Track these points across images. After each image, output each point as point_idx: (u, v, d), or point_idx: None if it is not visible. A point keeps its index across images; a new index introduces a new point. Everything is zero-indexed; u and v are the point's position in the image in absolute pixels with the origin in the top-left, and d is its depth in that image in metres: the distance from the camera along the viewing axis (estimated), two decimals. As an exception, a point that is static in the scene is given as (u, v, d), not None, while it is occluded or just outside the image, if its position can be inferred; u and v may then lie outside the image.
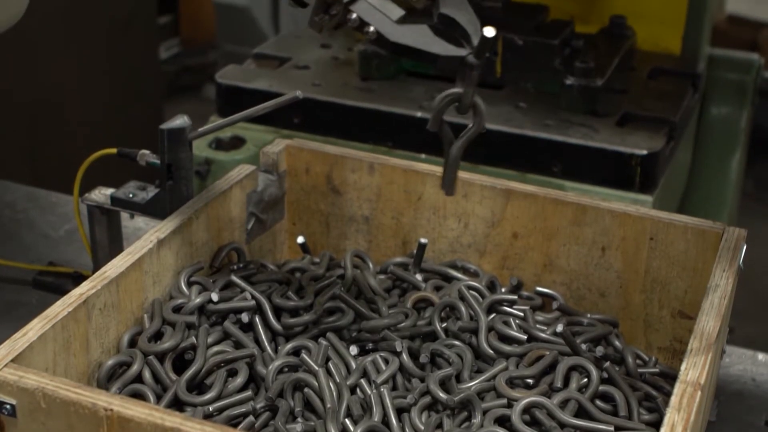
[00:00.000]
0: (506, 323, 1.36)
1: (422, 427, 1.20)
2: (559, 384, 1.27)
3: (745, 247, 1.36)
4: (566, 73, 2.06)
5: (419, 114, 2.04)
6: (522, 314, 1.40)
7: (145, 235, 1.34)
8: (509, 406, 1.24)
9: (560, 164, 1.96)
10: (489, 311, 1.39)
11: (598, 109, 2.05)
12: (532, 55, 2.10)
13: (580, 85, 2.04)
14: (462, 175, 1.49)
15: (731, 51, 2.55)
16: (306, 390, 1.24)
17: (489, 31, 1.17)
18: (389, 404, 1.21)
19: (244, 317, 1.33)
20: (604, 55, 2.18)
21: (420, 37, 1.21)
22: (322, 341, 1.31)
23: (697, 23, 2.35)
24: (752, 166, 3.65)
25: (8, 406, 1.10)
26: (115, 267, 1.28)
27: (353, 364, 1.28)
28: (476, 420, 1.22)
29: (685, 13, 2.34)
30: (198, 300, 1.33)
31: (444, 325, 1.37)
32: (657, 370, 1.35)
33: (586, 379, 1.27)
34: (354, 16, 1.22)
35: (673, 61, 2.35)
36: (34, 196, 2.05)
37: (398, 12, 1.22)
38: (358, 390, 1.25)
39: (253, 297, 1.35)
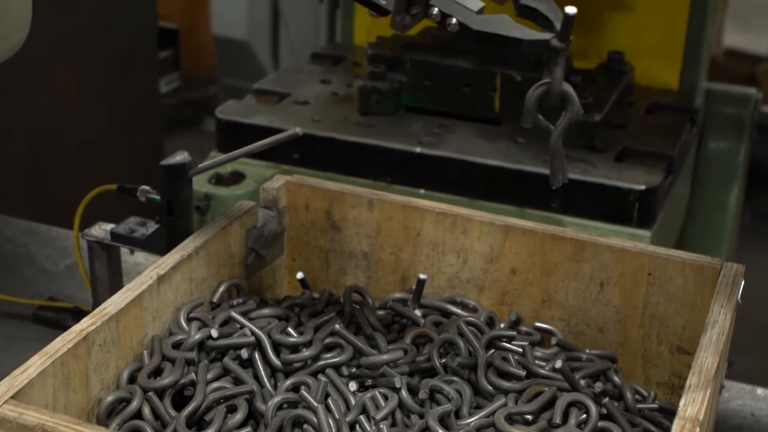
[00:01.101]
0: (505, 359, 1.37)
1: (421, 464, 1.20)
2: (558, 420, 1.26)
3: (743, 283, 1.36)
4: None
5: (418, 149, 2.05)
6: (521, 350, 1.40)
7: (145, 271, 1.35)
8: (508, 442, 1.24)
9: (559, 199, 1.96)
10: (488, 347, 1.40)
11: (597, 144, 2.06)
12: (531, 91, 2.11)
13: (578, 120, 2.05)
14: (460, 211, 1.50)
15: (729, 85, 2.56)
16: (305, 426, 1.23)
17: (570, 9, 1.17)
18: (388, 441, 1.21)
19: (244, 353, 1.33)
20: (602, 91, 2.19)
21: (503, 25, 1.21)
22: (322, 377, 1.31)
23: (695, 59, 2.37)
24: (751, 199, 3.66)
25: (8, 443, 1.10)
26: (114, 303, 1.28)
27: (352, 401, 1.29)
28: (475, 456, 1.22)
29: (683, 49, 2.36)
30: (198, 336, 1.33)
31: (443, 361, 1.37)
32: (656, 405, 1.35)
33: (585, 415, 1.27)
34: (435, 11, 1.22)
35: (671, 96, 2.37)
36: (35, 230, 2.06)
37: (478, 3, 1.23)
38: (357, 426, 1.25)
39: (253, 333, 1.35)
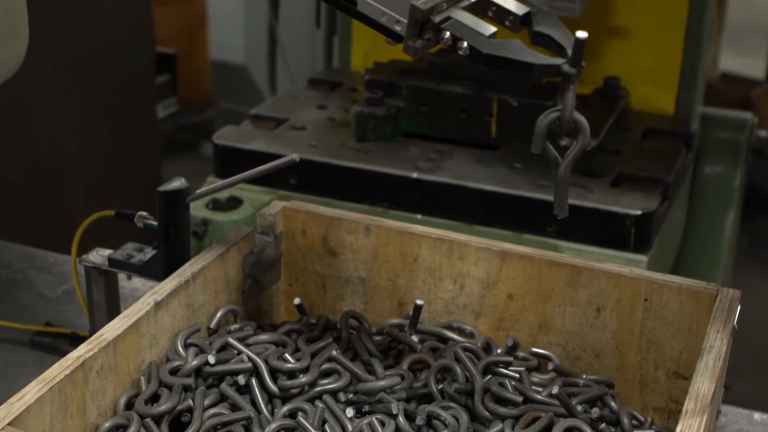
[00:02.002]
0: (502, 385, 1.37)
1: (418, 490, 1.20)
2: (555, 446, 1.27)
3: (739, 308, 1.37)
4: (561, 133, 2.08)
5: (415, 175, 2.06)
6: (518, 376, 1.40)
7: (143, 298, 1.35)
8: (505, 468, 1.24)
9: (555, 225, 1.97)
10: (485, 373, 1.40)
11: (593, 169, 2.07)
12: (527, 117, 2.11)
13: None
14: (457, 236, 1.51)
15: (724, 110, 2.58)
16: (302, 452, 1.24)
17: (581, 34, 1.17)
18: (385, 467, 1.21)
19: (241, 379, 1.33)
20: (598, 116, 2.20)
21: (514, 49, 1.21)
22: (319, 403, 1.31)
23: (691, 84, 2.38)
24: (748, 222, 3.67)
25: (5, 470, 1.10)
26: (112, 329, 1.28)
27: (349, 427, 1.29)
28: (472, 482, 1.22)
29: (678, 74, 2.37)
30: (195, 362, 1.33)
31: (440, 386, 1.37)
32: (653, 430, 1.35)
33: (581, 441, 1.27)
34: (447, 35, 1.22)
35: (667, 121, 2.38)
36: (32, 256, 2.06)
37: (490, 29, 1.24)
38: (354, 452, 1.25)
39: (250, 359, 1.35)
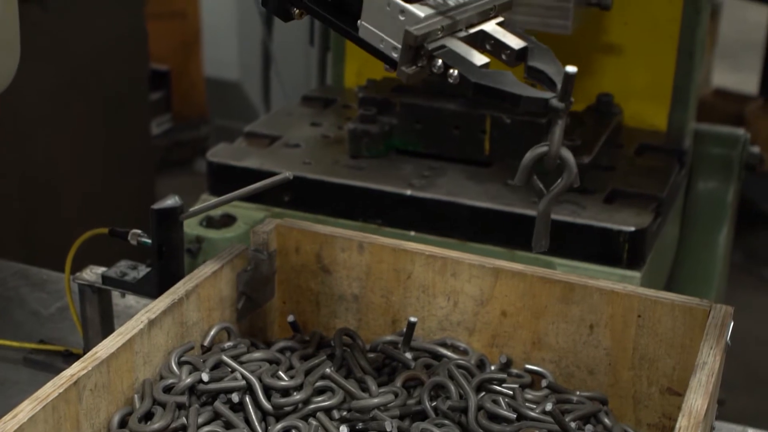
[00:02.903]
0: (495, 402, 1.37)
1: (412, 508, 1.20)
2: (548, 463, 1.27)
3: (732, 324, 1.37)
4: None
5: (409, 192, 2.06)
6: (511, 392, 1.40)
7: (136, 315, 1.35)
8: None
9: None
10: (478, 390, 1.40)
11: (586, 186, 2.08)
12: (520, 133, 2.12)
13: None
14: (450, 253, 1.51)
15: (717, 126, 2.58)
16: (296, 470, 1.24)
17: (571, 68, 1.17)
18: (379, 484, 1.21)
19: (235, 397, 1.33)
20: (591, 133, 2.21)
21: (503, 80, 1.22)
22: (312, 421, 1.31)
23: (683, 100, 2.39)
24: (741, 237, 3.68)
25: (-2, 489, 1.10)
26: (105, 347, 1.28)
27: (343, 444, 1.29)
28: (466, 500, 1.22)
29: (671, 91, 2.38)
30: (188, 380, 1.33)
31: (434, 404, 1.37)
32: (646, 447, 1.35)
33: (575, 458, 1.27)
34: (439, 62, 1.23)
35: (660, 138, 2.38)
36: (26, 273, 2.06)
37: (482, 59, 1.24)
38: (348, 470, 1.25)
39: (244, 377, 1.35)
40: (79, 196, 3.44)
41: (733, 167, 2.52)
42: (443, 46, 1.25)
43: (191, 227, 2.05)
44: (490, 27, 1.29)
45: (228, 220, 2.11)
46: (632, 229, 1.95)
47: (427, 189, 2.08)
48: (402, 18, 1.24)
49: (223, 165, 2.19)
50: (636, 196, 2.08)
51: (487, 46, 1.28)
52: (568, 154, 1.24)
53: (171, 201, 1.49)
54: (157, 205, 1.48)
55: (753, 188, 4.48)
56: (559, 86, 1.20)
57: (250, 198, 1.88)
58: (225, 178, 2.17)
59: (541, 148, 1.24)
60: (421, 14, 1.24)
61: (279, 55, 4.25)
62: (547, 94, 1.20)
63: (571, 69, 1.17)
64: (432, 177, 2.14)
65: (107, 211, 3.48)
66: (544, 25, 2.11)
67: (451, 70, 1.23)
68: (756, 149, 2.55)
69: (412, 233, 2.05)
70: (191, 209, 1.53)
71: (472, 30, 1.28)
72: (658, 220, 2.06)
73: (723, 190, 2.52)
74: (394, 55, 1.25)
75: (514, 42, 1.26)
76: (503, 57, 1.26)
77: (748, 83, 5.88)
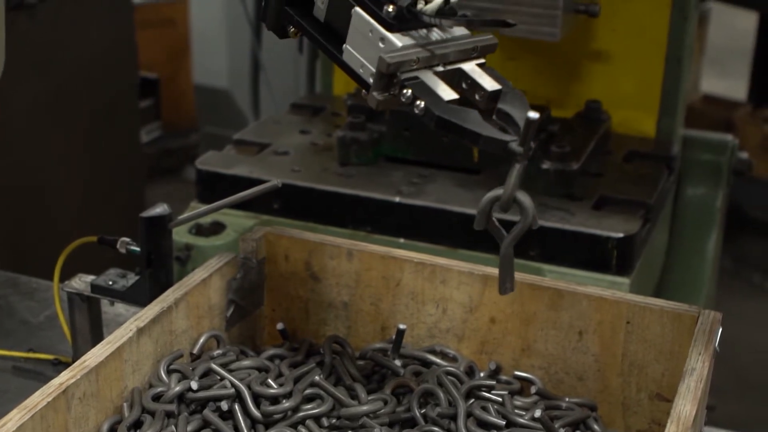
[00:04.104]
0: (485, 409, 1.37)
1: None
2: (538, 469, 1.27)
3: (720, 330, 1.37)
4: (542, 157, 2.09)
5: (398, 199, 2.06)
6: (500, 399, 1.40)
7: (125, 324, 1.35)
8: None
9: (537, 248, 1.98)
10: (467, 397, 1.40)
11: (575, 192, 2.08)
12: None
13: (556, 169, 2.07)
14: (439, 260, 1.51)
15: (706, 132, 2.59)
16: (285, 478, 1.24)
17: (533, 114, 1.17)
18: (369, 492, 1.21)
19: (224, 405, 1.33)
20: (579, 139, 2.21)
21: (466, 117, 1.22)
22: (302, 429, 1.32)
23: (672, 107, 2.39)
24: (730, 243, 3.68)
25: (-13, 499, 1.10)
26: (94, 356, 1.28)
27: (333, 452, 1.29)
28: (456, 507, 1.22)
29: (659, 98, 2.38)
30: (177, 388, 1.33)
31: (423, 411, 1.37)
32: (635, 454, 1.35)
33: (564, 464, 1.28)
34: (408, 93, 1.24)
35: (648, 144, 2.39)
36: (15, 282, 2.06)
37: (451, 95, 1.25)
38: (337, 477, 1.25)
39: (233, 385, 1.35)
40: (69, 205, 3.43)
41: (721, 173, 2.53)
42: (416, 78, 1.26)
43: (180, 235, 2.04)
44: (469, 66, 1.29)
45: (217, 228, 2.11)
46: (621, 235, 1.95)
47: (417, 196, 2.08)
48: (381, 45, 1.26)
49: (212, 173, 2.20)
50: (625, 203, 2.08)
51: (463, 85, 1.28)
52: (524, 198, 1.24)
53: (160, 209, 1.49)
54: (145, 213, 1.48)
55: (742, 194, 4.49)
56: (522, 130, 1.20)
57: (240, 206, 1.88)
58: (214, 186, 2.17)
59: (497, 192, 1.25)
60: (399, 44, 1.25)
61: (268, 63, 4.24)
62: (507, 137, 1.21)
63: (533, 115, 1.17)
64: (421, 184, 2.14)
65: (96, 219, 3.47)
66: (532, 32, 2.11)
67: (418, 102, 1.24)
68: (744, 155, 2.56)
69: (402, 240, 2.05)
70: (180, 217, 1.53)
71: (451, 67, 1.29)
72: (647, 227, 2.07)
73: (712, 196, 2.53)
74: (371, 80, 1.27)
75: (489, 84, 1.27)
76: (476, 97, 1.27)
77: (736, 89, 5.90)
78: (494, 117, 1.24)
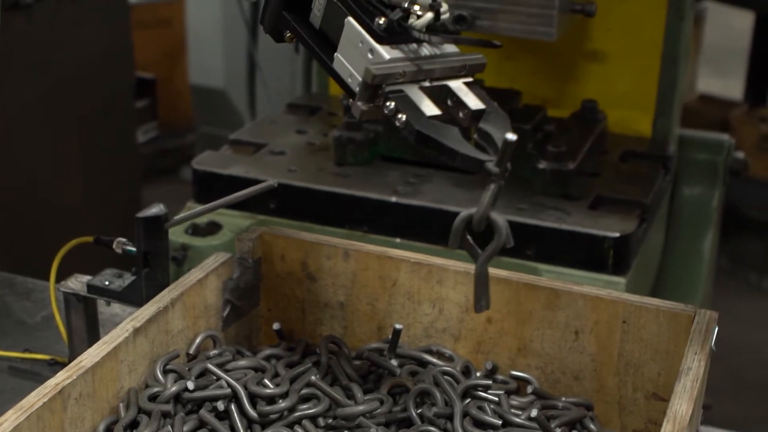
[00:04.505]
0: (481, 408, 1.37)
1: None
2: (534, 469, 1.27)
3: (716, 330, 1.37)
4: (539, 157, 2.09)
5: (394, 199, 2.06)
6: (497, 399, 1.40)
7: (121, 324, 1.35)
8: (485, 492, 1.24)
9: (534, 247, 1.98)
10: (464, 396, 1.40)
11: (571, 192, 2.08)
12: (505, 140, 2.12)
13: (552, 169, 2.07)
14: (435, 260, 1.51)
15: (702, 132, 2.59)
16: (282, 478, 1.24)
17: (510, 136, 1.18)
18: (365, 492, 1.21)
19: (220, 405, 1.33)
20: (576, 139, 2.21)
21: (446, 133, 1.23)
22: (298, 429, 1.31)
23: (668, 107, 2.40)
24: (727, 242, 3.68)
25: (-17, 499, 1.10)
26: (90, 356, 1.28)
27: (329, 452, 1.29)
28: (452, 506, 1.22)
29: (655, 97, 2.39)
30: (174, 388, 1.33)
31: (419, 411, 1.37)
32: (632, 453, 1.35)
33: (561, 464, 1.28)
34: (391, 105, 1.25)
35: (644, 144, 2.39)
36: (11, 282, 2.05)
37: (434, 110, 1.26)
38: (334, 477, 1.25)
39: (229, 385, 1.35)
40: (65, 205, 3.43)
41: (717, 173, 2.53)
42: (400, 91, 1.26)
43: (177, 235, 2.04)
44: (455, 84, 1.30)
45: (213, 228, 2.11)
46: (617, 235, 1.95)
47: (413, 196, 2.08)
48: (370, 56, 1.27)
49: (208, 173, 2.19)
50: (621, 202, 2.08)
51: (448, 101, 1.29)
52: (497, 217, 1.24)
53: (156, 209, 1.49)
54: (142, 214, 1.48)
55: (738, 193, 4.49)
56: (499, 154, 1.20)
57: (236, 206, 1.88)
58: (210, 186, 2.17)
59: (470, 211, 1.25)
60: (387, 56, 1.26)
61: (264, 63, 4.25)
62: (485, 157, 1.21)
63: (510, 136, 1.17)
64: (417, 184, 2.14)
65: (93, 219, 3.47)
66: (528, 32, 2.11)
67: (400, 115, 1.24)
68: (740, 154, 2.56)
69: (398, 240, 2.05)
70: (176, 217, 1.53)
71: (437, 83, 1.29)
72: (643, 226, 2.07)
73: (708, 195, 2.53)
74: (356, 89, 1.28)
75: (474, 103, 1.27)
76: (460, 115, 1.27)
77: (732, 89, 5.90)
78: (475, 136, 1.25)
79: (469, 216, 1.25)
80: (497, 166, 1.20)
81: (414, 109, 1.25)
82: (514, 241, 1.26)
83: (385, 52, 1.26)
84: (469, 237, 1.27)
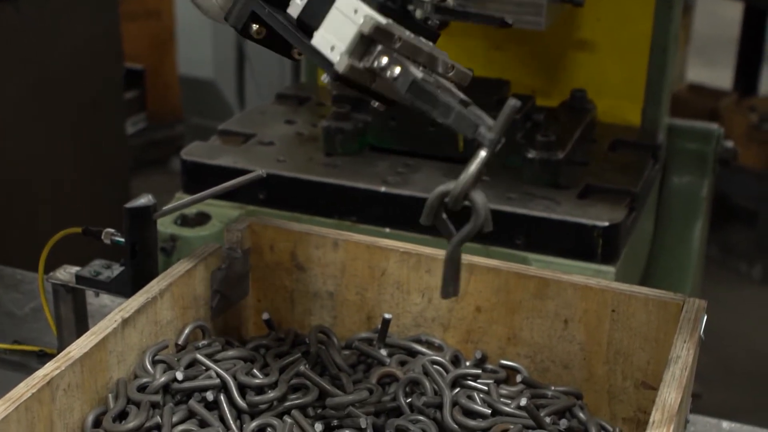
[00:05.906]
0: (470, 397, 1.37)
1: (388, 504, 1.20)
2: (523, 458, 1.27)
3: (705, 318, 1.37)
4: (528, 146, 2.09)
5: (383, 189, 2.06)
6: (486, 388, 1.40)
7: (110, 315, 1.35)
8: (474, 481, 1.24)
9: (523, 237, 1.98)
10: (453, 386, 1.40)
11: (560, 181, 2.08)
12: (494, 130, 2.12)
13: (541, 158, 2.07)
14: (424, 250, 1.51)
15: (691, 121, 2.59)
16: (271, 468, 1.23)
17: (514, 100, 1.09)
18: (354, 481, 1.21)
19: (209, 395, 1.33)
20: (565, 129, 2.21)
21: (442, 92, 1.15)
22: (287, 419, 1.31)
23: (657, 96, 2.39)
24: (717, 232, 3.69)
25: (-29, 490, 1.09)
26: (79, 347, 1.28)
27: (318, 441, 1.29)
28: (442, 496, 1.22)
29: (644, 86, 2.39)
30: (163, 379, 1.33)
31: (409, 400, 1.38)
32: (621, 441, 1.36)
33: (550, 453, 1.28)
34: (385, 60, 1.16)
35: (634, 133, 2.39)
36: (-1, 273, 2.05)
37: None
38: (323, 467, 1.25)
39: (218, 375, 1.35)
40: (53, 196, 3.42)
41: (707, 162, 2.53)
42: (393, 54, 1.18)
43: (165, 226, 2.04)
44: (441, 79, 1.23)
45: (202, 219, 2.10)
46: (606, 224, 1.95)
47: (402, 186, 2.08)
48: (361, 21, 1.18)
49: (197, 163, 2.19)
50: (610, 191, 2.08)
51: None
52: (477, 196, 1.13)
53: (144, 200, 1.49)
54: (130, 204, 1.48)
55: (727, 183, 4.51)
56: (499, 119, 1.11)
57: (225, 196, 1.88)
58: (199, 177, 2.17)
59: (449, 185, 1.13)
60: (384, 21, 1.18)
61: (253, 53, 4.25)
62: (482, 120, 1.12)
63: (514, 101, 1.09)
64: (407, 174, 2.14)
65: (81, 210, 3.47)
66: (517, 21, 2.11)
67: (395, 66, 1.16)
68: (730, 144, 2.56)
69: (387, 230, 2.05)
70: (165, 208, 1.52)
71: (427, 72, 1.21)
72: (633, 215, 2.07)
73: (697, 184, 2.53)
74: (337, 59, 1.19)
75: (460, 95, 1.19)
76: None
77: (722, 78, 5.91)
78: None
79: (446, 191, 1.14)
80: (492, 131, 1.10)
81: (408, 68, 1.16)
82: (493, 226, 1.15)
83: (382, 18, 1.18)
84: (444, 215, 1.17)
